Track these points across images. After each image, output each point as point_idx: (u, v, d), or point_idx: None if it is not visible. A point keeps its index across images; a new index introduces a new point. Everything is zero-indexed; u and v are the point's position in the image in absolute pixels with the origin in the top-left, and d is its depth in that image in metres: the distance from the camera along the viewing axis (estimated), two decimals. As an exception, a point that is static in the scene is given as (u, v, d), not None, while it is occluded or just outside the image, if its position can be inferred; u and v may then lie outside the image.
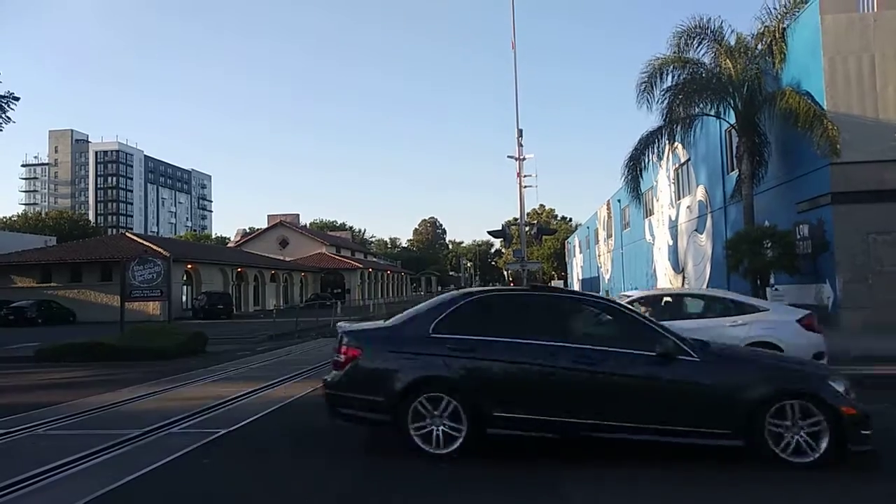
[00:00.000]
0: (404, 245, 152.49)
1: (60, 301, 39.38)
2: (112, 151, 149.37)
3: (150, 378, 12.81)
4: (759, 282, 22.63)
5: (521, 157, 18.18)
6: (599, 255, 66.70)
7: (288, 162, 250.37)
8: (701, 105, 23.47)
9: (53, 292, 40.51)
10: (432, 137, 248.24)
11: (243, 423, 8.25)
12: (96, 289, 40.48)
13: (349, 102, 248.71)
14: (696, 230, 32.60)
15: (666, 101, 23.33)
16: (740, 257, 22.11)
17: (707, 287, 30.61)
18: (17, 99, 31.09)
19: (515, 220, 19.65)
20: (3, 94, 30.76)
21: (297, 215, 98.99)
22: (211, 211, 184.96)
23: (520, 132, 18.10)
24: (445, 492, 5.41)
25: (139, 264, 20.31)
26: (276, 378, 12.21)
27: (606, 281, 60.95)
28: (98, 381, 12.88)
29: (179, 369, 14.20)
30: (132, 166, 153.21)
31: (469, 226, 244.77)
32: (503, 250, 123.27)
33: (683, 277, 35.00)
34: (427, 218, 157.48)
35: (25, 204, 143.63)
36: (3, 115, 30.48)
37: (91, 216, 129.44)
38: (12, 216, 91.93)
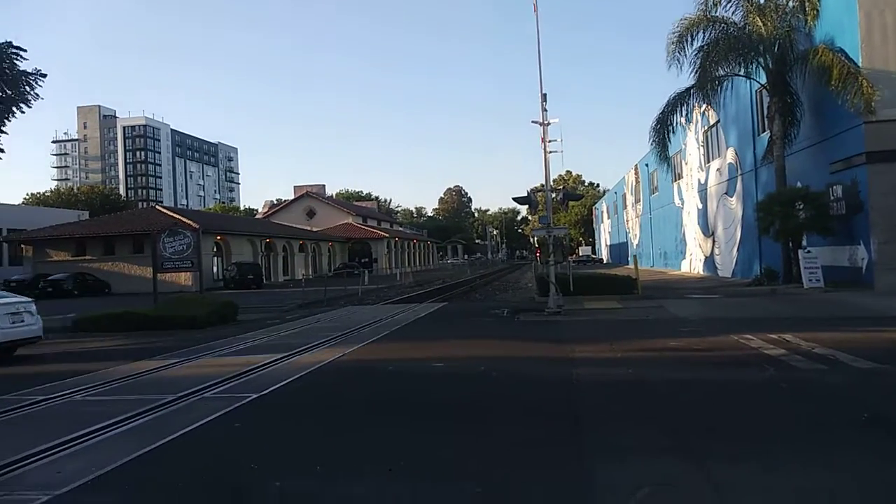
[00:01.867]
0: (430, 214, 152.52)
1: (95, 273, 40.23)
2: (139, 126, 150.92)
3: (182, 346, 13.06)
4: (790, 244, 22.28)
5: (546, 122, 17.90)
6: (627, 221, 66.07)
7: (312, 131, 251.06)
8: (731, 65, 22.93)
9: (88, 265, 41.36)
10: (458, 105, 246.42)
11: (273, 387, 8.39)
12: (129, 261, 41.25)
13: (373, 68, 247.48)
14: (726, 193, 32.06)
15: (696, 62, 22.83)
16: (772, 219, 21.77)
17: (737, 250, 30.24)
18: (44, 76, 31.52)
19: (542, 186, 19.45)
20: (30, 70, 31.20)
21: (323, 186, 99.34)
22: (238, 183, 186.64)
23: (544, 97, 17.76)
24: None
25: (169, 236, 20.61)
26: (305, 345, 12.37)
27: (635, 246, 60.45)
28: (133, 349, 13.19)
29: (211, 337, 14.47)
30: (160, 140, 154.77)
31: (495, 193, 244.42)
32: (529, 217, 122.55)
33: (713, 241, 34.56)
34: (452, 186, 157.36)
35: (57, 179, 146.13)
36: (32, 92, 30.94)
37: (121, 190, 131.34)
38: (45, 191, 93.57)
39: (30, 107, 31.26)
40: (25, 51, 31.01)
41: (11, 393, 8.46)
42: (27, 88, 30.79)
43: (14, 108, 30.68)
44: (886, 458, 4.85)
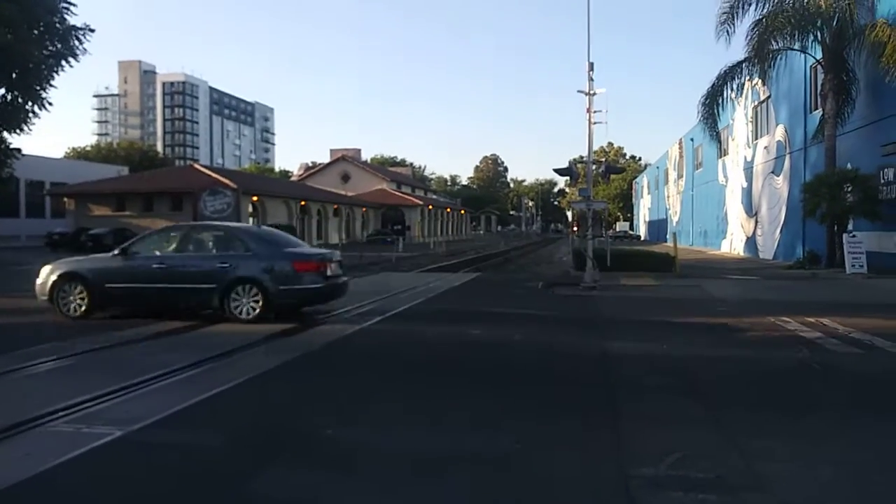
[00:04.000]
0: (465, 183, 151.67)
1: (134, 229, 40.83)
2: (178, 83, 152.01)
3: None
4: (836, 227, 21.77)
5: (592, 91, 17.60)
6: (668, 197, 65.09)
7: (348, 94, 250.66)
8: (786, 38, 22.20)
9: (128, 220, 42.07)
10: (498, 71, 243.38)
11: (315, 347, 8.65)
12: (167, 218, 41.53)
13: (412, 32, 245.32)
14: (772, 172, 31.32)
15: (752, 35, 22.11)
16: (818, 201, 21.29)
17: (780, 232, 29.67)
18: (92, 31, 31.85)
19: (582, 157, 19.20)
20: (79, 25, 31.54)
21: (359, 150, 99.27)
22: (274, 144, 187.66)
23: (591, 65, 17.44)
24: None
25: (210, 195, 20.96)
26: (343, 308, 12.49)
27: (674, 223, 59.58)
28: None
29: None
30: (198, 98, 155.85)
31: (532, 164, 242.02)
32: (566, 189, 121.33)
33: (756, 221, 33.91)
34: (489, 155, 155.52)
35: (98, 134, 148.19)
36: (80, 47, 31.32)
37: (159, 147, 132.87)
38: (86, 146, 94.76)
39: (78, 61, 31.69)
40: (75, 5, 31.38)
41: (68, 340, 8.76)
42: (76, 43, 31.19)
43: (63, 62, 31.14)
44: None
